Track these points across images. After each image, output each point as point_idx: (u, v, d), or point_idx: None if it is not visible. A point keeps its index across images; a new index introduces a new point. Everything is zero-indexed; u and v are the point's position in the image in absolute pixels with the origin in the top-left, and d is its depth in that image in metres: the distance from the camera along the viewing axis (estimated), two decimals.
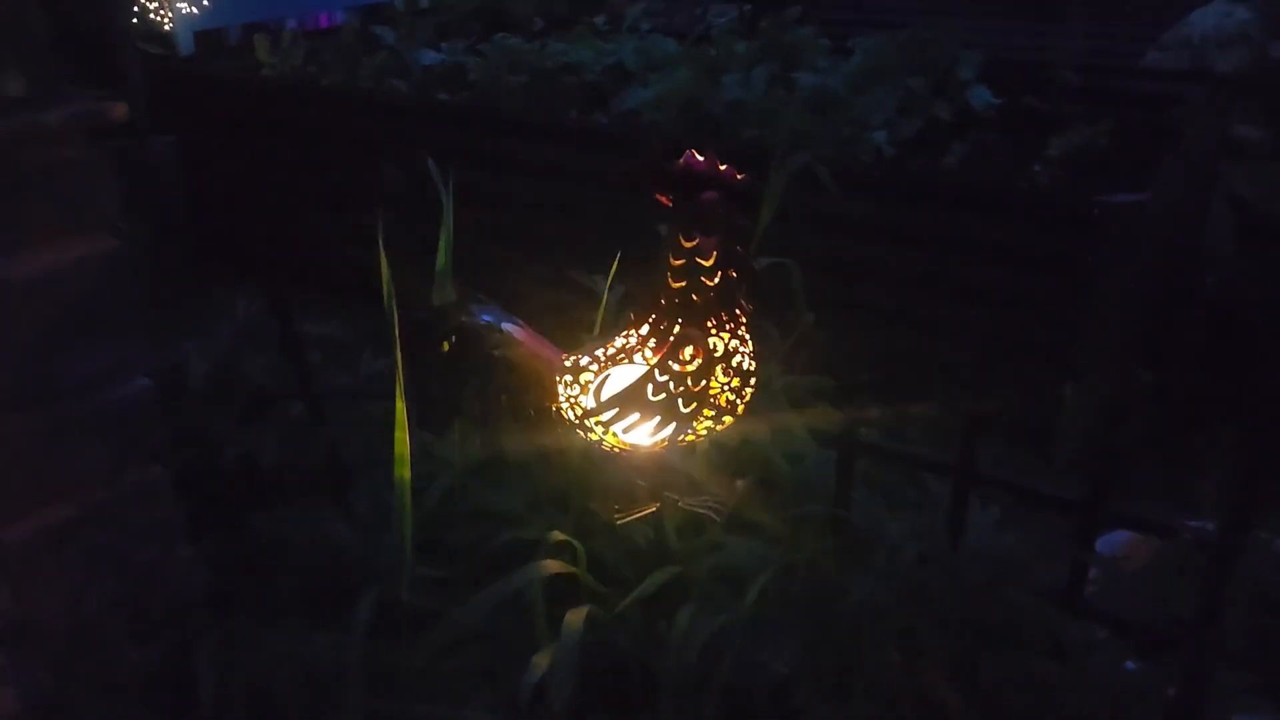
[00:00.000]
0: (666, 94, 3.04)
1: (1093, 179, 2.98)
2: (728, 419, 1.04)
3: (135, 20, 3.65)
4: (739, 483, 1.20)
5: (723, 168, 0.94)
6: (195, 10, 3.72)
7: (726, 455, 1.25)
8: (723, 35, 3.63)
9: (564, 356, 1.08)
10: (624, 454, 1.07)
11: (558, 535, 1.10)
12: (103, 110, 1.25)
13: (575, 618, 1.01)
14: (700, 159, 0.94)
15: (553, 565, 1.05)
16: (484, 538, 1.24)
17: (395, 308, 1.03)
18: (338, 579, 1.32)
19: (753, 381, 1.03)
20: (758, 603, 1.11)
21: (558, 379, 1.06)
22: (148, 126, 3.96)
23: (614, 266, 1.16)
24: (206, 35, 3.96)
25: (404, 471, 1.05)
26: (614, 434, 1.03)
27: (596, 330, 1.16)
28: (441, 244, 1.21)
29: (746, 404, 1.04)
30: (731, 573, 1.13)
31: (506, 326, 1.09)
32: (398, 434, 1.03)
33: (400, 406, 1.02)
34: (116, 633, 1.43)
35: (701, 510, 1.14)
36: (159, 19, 3.72)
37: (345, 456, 1.75)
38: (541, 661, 0.99)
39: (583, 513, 1.18)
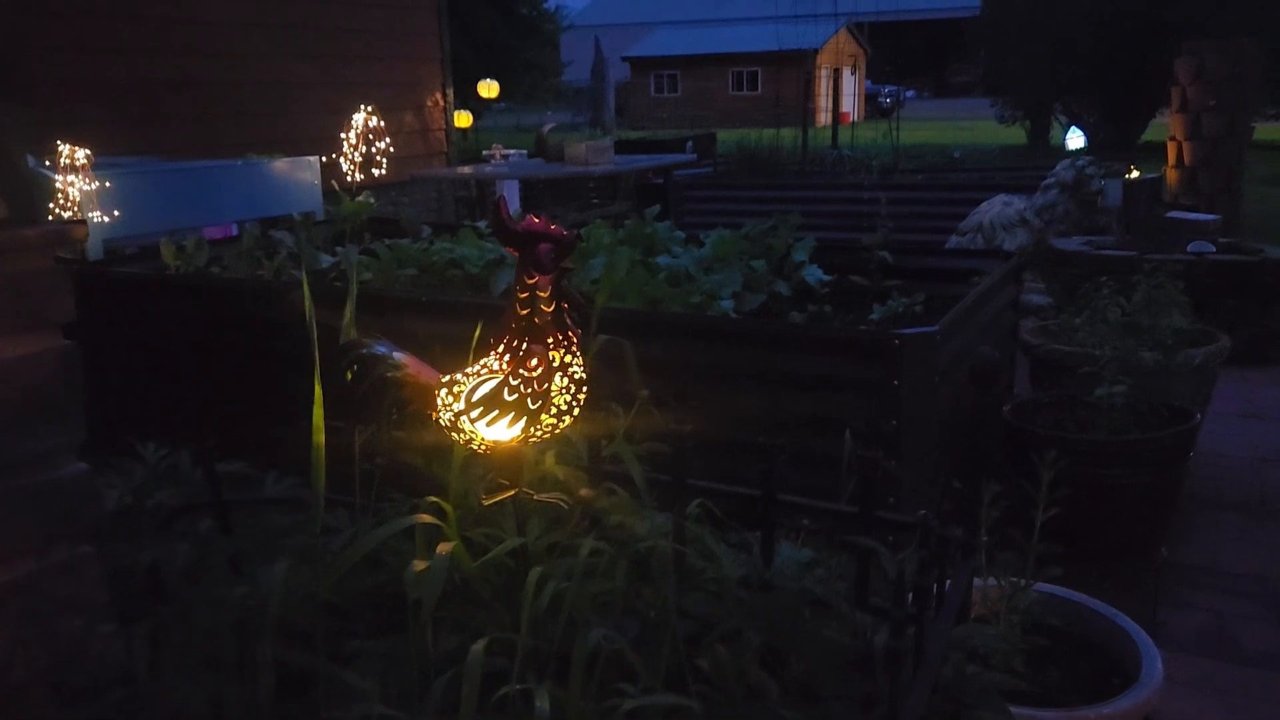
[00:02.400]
0: None
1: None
2: (567, 419, 1.35)
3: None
4: (584, 491, 1.48)
5: (553, 228, 1.30)
6: (106, 219, 4.05)
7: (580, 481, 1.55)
8: (594, 228, 4.15)
9: (440, 376, 1.38)
10: (490, 452, 1.36)
11: (432, 500, 1.36)
12: (69, 231, 1.55)
13: (444, 547, 1.26)
14: (537, 220, 1.30)
15: (425, 517, 1.30)
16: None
17: (315, 338, 1.32)
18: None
19: (584, 389, 1.35)
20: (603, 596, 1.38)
21: (436, 393, 1.36)
22: None
23: (478, 329, 1.48)
24: (112, 244, 4.28)
25: (319, 439, 1.30)
26: (479, 432, 1.33)
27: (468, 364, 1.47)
28: (348, 304, 1.52)
29: (580, 407, 1.36)
30: (580, 559, 1.39)
31: (395, 355, 1.40)
32: (315, 419, 1.29)
33: (318, 393, 1.29)
34: (40, 700, 1.56)
35: (551, 500, 1.41)
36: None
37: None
38: (419, 564, 1.22)
39: (457, 496, 1.44)
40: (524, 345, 1.29)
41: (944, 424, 2.82)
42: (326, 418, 1.34)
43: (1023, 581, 2.01)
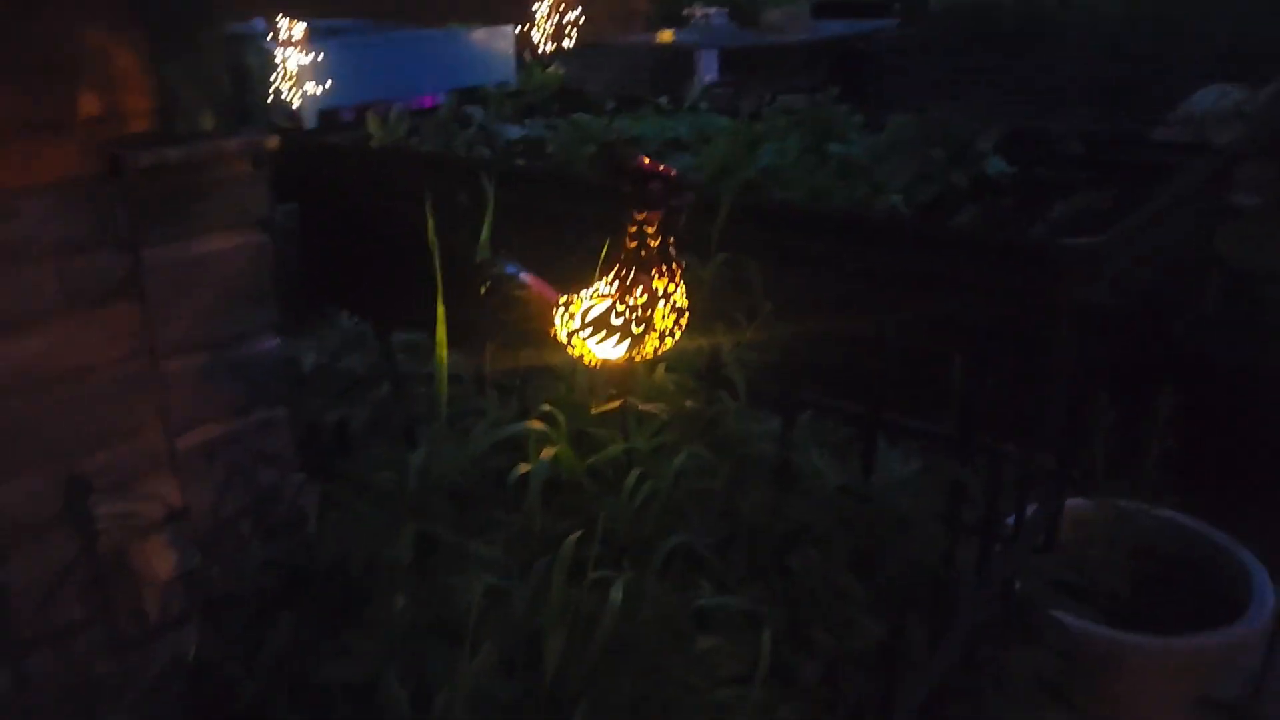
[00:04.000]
0: (706, 160, 3.54)
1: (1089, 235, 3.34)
2: (669, 341, 1.50)
3: (270, 99, 4.34)
4: (688, 402, 1.63)
5: (662, 168, 1.41)
6: (319, 91, 4.40)
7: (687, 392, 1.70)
8: (771, 113, 4.14)
9: (559, 296, 1.55)
10: (601, 366, 1.53)
11: (545, 407, 1.55)
12: (264, 141, 1.79)
13: (548, 452, 1.46)
14: (648, 161, 1.41)
15: (536, 423, 1.50)
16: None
17: (438, 255, 1.51)
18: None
19: (685, 316, 1.49)
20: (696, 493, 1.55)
21: (554, 312, 1.54)
22: (273, 194, 4.62)
23: (605, 247, 1.62)
24: (327, 113, 4.64)
25: (442, 352, 1.51)
26: (590, 349, 1.50)
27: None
28: (486, 224, 1.71)
29: (683, 330, 1.49)
30: (673, 463, 1.55)
31: (522, 276, 1.58)
32: (439, 335, 1.49)
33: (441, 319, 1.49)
34: (246, 530, 1.91)
35: (654, 410, 1.58)
36: (289, 98, 4.40)
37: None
38: (523, 466, 1.44)
39: (568, 405, 1.63)
40: (631, 274, 1.43)
41: (1110, 343, 2.75)
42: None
43: (1136, 506, 2.02)
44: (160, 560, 1.76)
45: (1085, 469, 2.03)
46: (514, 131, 4.42)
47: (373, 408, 2.32)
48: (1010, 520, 1.76)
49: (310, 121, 4.45)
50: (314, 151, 4.08)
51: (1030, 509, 1.75)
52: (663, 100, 4.65)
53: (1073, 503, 2.12)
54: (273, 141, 1.79)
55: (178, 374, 1.77)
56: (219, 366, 1.82)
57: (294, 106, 4.42)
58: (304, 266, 4.38)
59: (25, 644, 1.58)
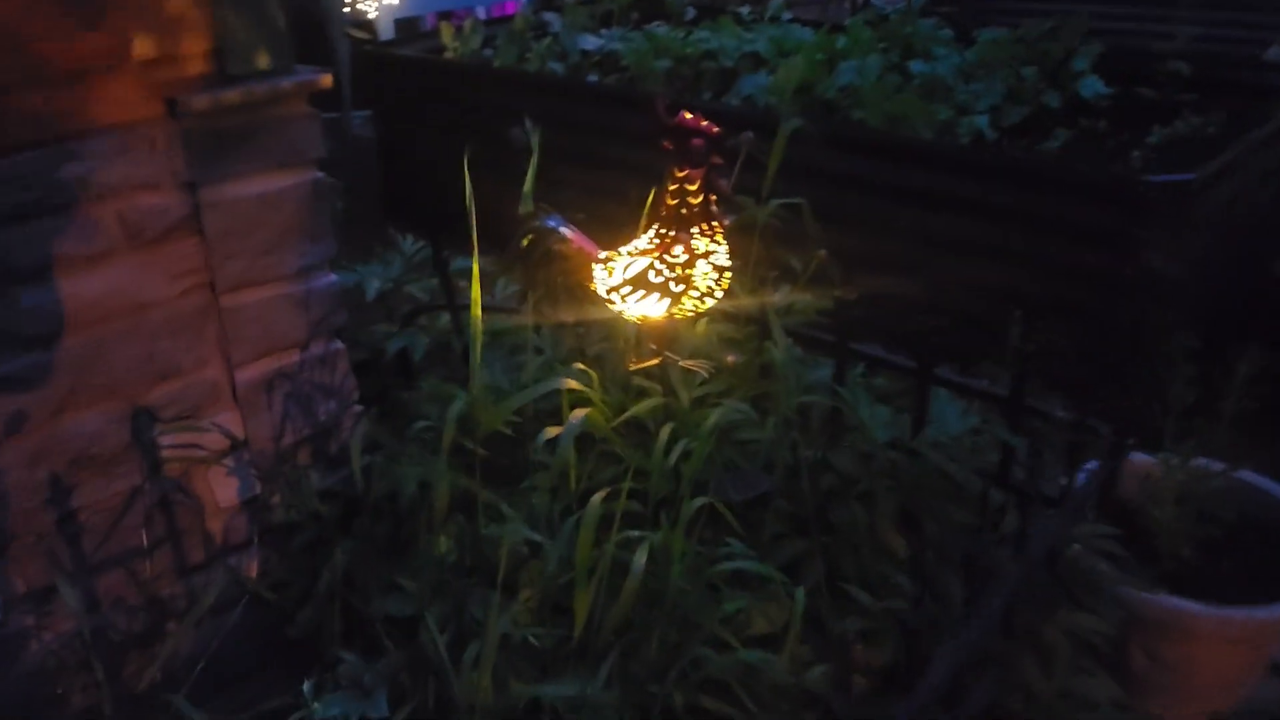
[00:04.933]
0: (782, 79, 3.41)
1: (1186, 165, 3.14)
2: (709, 300, 1.47)
3: (346, 8, 4.32)
4: (730, 358, 1.61)
5: (704, 124, 1.36)
6: (396, 0, 4.36)
7: (731, 345, 1.68)
8: (855, 24, 3.95)
9: (599, 251, 1.53)
10: (641, 322, 1.51)
11: (578, 365, 1.55)
12: (318, 80, 1.78)
13: (579, 412, 1.46)
14: (690, 117, 1.36)
15: (572, 382, 1.50)
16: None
17: (473, 209, 1.49)
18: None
19: (727, 275, 1.45)
20: (741, 445, 1.53)
21: (595, 266, 1.52)
22: (350, 100, 4.66)
23: (650, 196, 1.58)
24: (404, 23, 4.60)
25: (477, 311, 1.50)
26: (628, 307, 1.48)
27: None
28: (529, 174, 1.68)
29: (724, 290, 1.46)
30: (723, 423, 1.54)
31: (564, 230, 1.56)
32: (474, 285, 1.49)
33: (475, 269, 1.49)
34: (305, 460, 1.98)
35: (695, 367, 1.56)
36: (365, 8, 4.37)
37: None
38: (551, 430, 1.45)
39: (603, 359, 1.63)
40: (671, 232, 1.39)
41: (1201, 288, 2.60)
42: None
43: (1207, 465, 1.95)
44: (222, 488, 1.84)
45: (1155, 427, 1.95)
46: (590, 43, 4.31)
47: (432, 337, 2.36)
48: (1064, 483, 1.71)
49: (385, 32, 4.42)
50: (386, 64, 4.05)
51: (1086, 471, 1.70)
52: (744, 10, 4.48)
53: (1140, 459, 2.05)
54: (327, 80, 1.78)
55: (237, 310, 1.81)
56: (277, 302, 1.86)
57: (370, 16, 4.39)
58: (383, 174, 4.42)
59: (95, 566, 1.68)
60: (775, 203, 1.74)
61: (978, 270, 2.47)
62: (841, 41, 3.75)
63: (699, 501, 1.41)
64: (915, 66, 3.50)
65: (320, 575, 1.74)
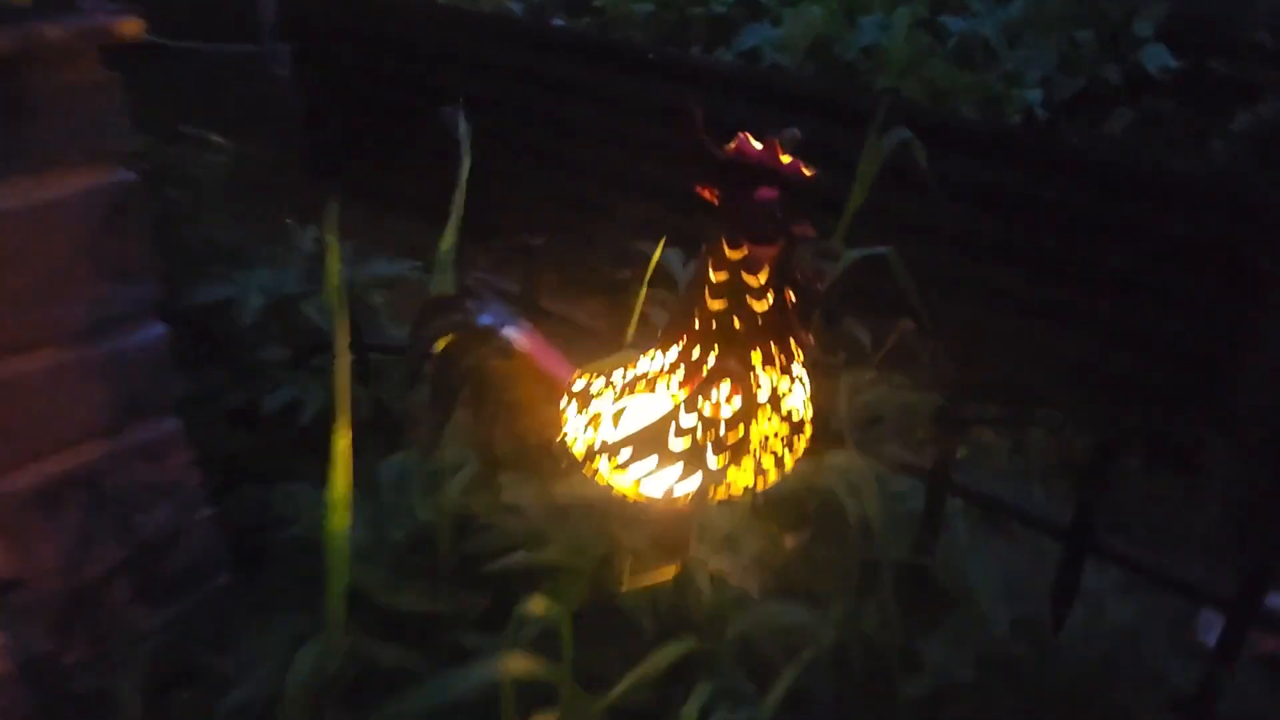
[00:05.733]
0: (795, 33, 2.75)
1: None
2: (772, 475, 0.83)
3: None
4: (788, 537, 0.98)
5: (785, 159, 0.71)
6: None
7: (776, 500, 1.03)
8: None
9: (572, 372, 0.87)
10: (643, 503, 0.87)
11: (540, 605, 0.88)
12: (114, 23, 1.10)
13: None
14: (757, 145, 0.71)
15: (519, 663, 0.83)
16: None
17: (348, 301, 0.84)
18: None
19: (806, 431, 0.81)
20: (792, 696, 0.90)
21: (563, 404, 0.86)
22: (274, 30, 3.96)
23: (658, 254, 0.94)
24: None
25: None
26: (624, 483, 0.83)
27: (631, 330, 0.95)
28: (451, 220, 1.00)
29: (797, 458, 0.82)
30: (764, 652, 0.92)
31: (508, 331, 0.88)
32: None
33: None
34: (122, 596, 1.33)
35: (734, 579, 0.93)
36: None
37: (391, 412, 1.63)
38: None
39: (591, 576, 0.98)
40: (709, 359, 0.75)
41: None
42: None
43: None
44: None
45: None
46: None
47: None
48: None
49: None
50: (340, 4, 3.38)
51: None
52: None
53: None
54: (131, 26, 1.10)
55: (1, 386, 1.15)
56: (60, 374, 1.20)
57: None
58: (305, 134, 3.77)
59: None
60: (854, 255, 1.10)
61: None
62: None
63: None
64: (953, 24, 2.86)
65: None
